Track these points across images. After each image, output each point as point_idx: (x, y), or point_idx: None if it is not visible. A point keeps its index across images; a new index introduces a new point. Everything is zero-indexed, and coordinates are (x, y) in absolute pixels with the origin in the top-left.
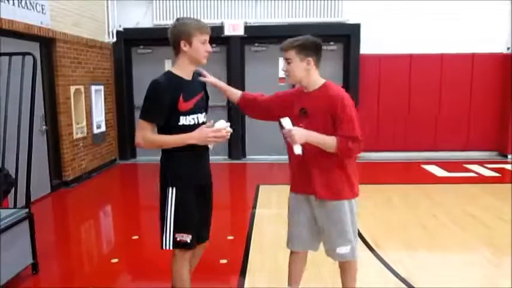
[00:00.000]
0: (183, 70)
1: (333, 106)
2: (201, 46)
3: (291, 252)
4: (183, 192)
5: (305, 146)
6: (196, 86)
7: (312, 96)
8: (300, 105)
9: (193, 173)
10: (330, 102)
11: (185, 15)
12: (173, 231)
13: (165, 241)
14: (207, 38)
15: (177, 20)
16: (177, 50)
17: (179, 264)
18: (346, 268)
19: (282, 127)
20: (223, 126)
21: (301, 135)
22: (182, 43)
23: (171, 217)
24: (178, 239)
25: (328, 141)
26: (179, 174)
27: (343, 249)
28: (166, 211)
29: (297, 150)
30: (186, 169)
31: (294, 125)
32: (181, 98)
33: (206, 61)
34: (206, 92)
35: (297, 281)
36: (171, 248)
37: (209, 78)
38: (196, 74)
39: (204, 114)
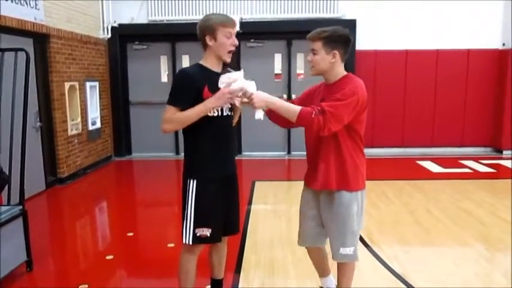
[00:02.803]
0: (211, 63)
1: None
2: (226, 40)
3: (306, 248)
4: (204, 184)
5: (310, 139)
6: None
7: (331, 89)
8: (320, 98)
9: (215, 165)
10: (340, 91)
11: (180, 11)
12: (193, 226)
13: (186, 235)
14: (232, 31)
15: (204, 16)
16: (204, 45)
17: (186, 258)
18: (344, 268)
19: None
20: (238, 86)
21: (260, 99)
22: (207, 38)
23: (191, 211)
24: (198, 234)
25: (291, 108)
26: (199, 166)
27: (345, 250)
28: (187, 204)
29: (258, 115)
30: (206, 161)
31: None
32: (206, 88)
33: (229, 59)
34: None
35: (323, 272)
36: (191, 243)
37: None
38: (226, 70)
39: (228, 107)
